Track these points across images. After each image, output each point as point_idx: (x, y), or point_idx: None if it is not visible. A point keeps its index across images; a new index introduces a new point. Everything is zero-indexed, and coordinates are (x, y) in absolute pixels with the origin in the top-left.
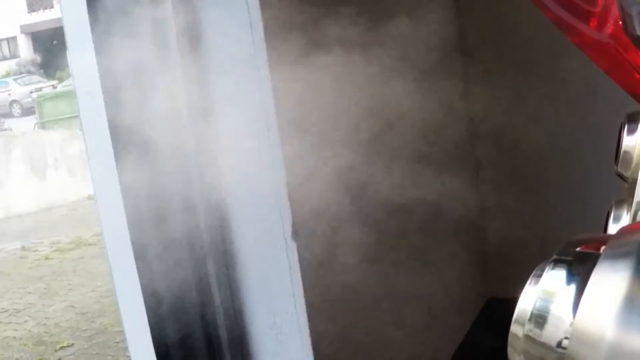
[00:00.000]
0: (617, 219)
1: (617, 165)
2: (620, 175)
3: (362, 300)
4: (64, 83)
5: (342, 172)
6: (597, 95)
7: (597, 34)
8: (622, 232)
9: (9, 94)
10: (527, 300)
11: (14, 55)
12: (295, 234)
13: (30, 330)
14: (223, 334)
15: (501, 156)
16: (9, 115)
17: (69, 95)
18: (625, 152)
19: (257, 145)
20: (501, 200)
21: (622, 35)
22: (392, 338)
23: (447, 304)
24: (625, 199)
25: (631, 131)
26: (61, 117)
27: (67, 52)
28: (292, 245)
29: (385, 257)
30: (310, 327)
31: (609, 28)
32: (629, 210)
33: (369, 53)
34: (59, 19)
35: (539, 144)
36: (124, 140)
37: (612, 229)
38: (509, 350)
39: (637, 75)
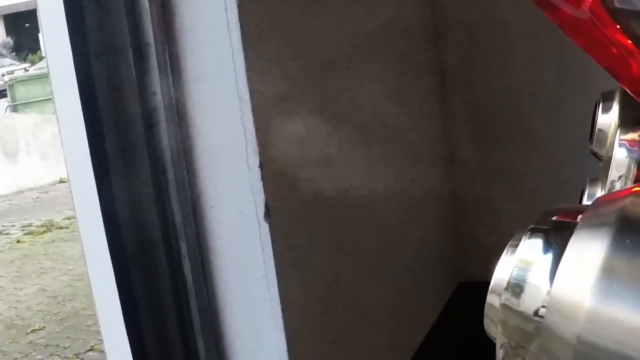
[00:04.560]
0: (591, 197)
1: (591, 143)
2: (594, 154)
3: (336, 284)
4: (37, 66)
5: (317, 156)
6: (572, 74)
7: (575, 11)
8: (600, 201)
9: None
10: (504, 269)
11: None
12: (268, 215)
13: (1, 314)
14: (196, 319)
15: (474, 137)
16: None
17: (42, 78)
18: (599, 130)
19: (230, 126)
20: (473, 182)
21: (601, 9)
22: (365, 321)
23: (418, 287)
24: (599, 178)
25: (606, 110)
26: (33, 100)
27: (40, 34)
28: (265, 227)
29: (357, 239)
30: (283, 310)
31: (587, 3)
32: (603, 188)
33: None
34: (32, 1)
35: (511, 123)
36: (98, 124)
37: None
38: (486, 321)
39: (615, 51)
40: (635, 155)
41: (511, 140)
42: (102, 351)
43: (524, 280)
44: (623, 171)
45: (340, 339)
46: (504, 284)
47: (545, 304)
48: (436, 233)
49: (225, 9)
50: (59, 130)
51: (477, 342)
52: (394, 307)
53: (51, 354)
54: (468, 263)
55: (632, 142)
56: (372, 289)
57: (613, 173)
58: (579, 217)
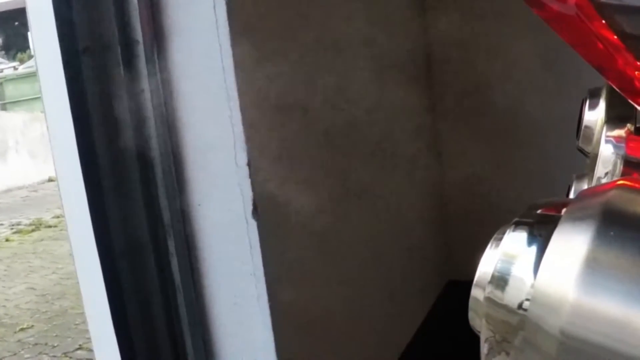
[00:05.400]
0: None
1: (578, 140)
2: (581, 151)
3: (324, 282)
4: (26, 65)
5: (305, 153)
6: (559, 71)
7: (562, 6)
8: (584, 194)
9: None
10: (488, 263)
11: None
12: (256, 212)
13: None
14: (184, 316)
15: (463, 135)
16: None
17: (31, 77)
18: (586, 127)
19: (218, 124)
20: (462, 182)
21: (587, 4)
22: (353, 319)
23: (407, 286)
24: (586, 174)
25: (592, 106)
26: (22, 99)
27: (29, 33)
28: (253, 224)
29: (346, 238)
30: (271, 307)
31: None
32: (589, 184)
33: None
34: (22, 0)
35: (499, 121)
36: (87, 122)
37: None
38: (470, 314)
39: (601, 46)
40: (621, 152)
41: (500, 138)
42: (90, 350)
43: (508, 273)
44: (609, 167)
45: (328, 336)
46: (488, 277)
47: (529, 297)
48: (425, 232)
49: (214, 7)
50: (48, 129)
51: (465, 340)
52: (382, 305)
53: (40, 353)
54: (457, 262)
55: (619, 139)
56: (360, 287)
57: (599, 169)
58: (564, 210)
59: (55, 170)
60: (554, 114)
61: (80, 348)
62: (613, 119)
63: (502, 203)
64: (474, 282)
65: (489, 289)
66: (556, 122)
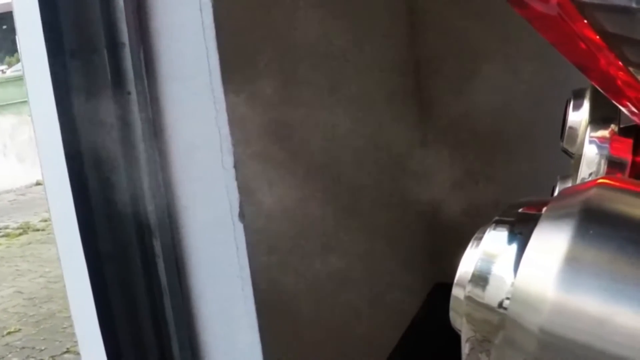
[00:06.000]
0: None
1: (562, 141)
2: (565, 151)
3: (311, 284)
4: (14, 68)
5: (292, 155)
6: (546, 72)
7: (544, 6)
8: (564, 193)
9: None
10: (469, 262)
11: None
12: (243, 215)
13: None
14: (170, 318)
15: (449, 137)
16: None
17: (19, 80)
18: (570, 128)
19: (204, 125)
20: (448, 183)
21: (568, 4)
22: (340, 321)
23: (394, 289)
24: (570, 175)
25: (577, 107)
26: (10, 102)
27: (16, 36)
28: (240, 226)
29: (332, 240)
30: (257, 309)
31: None
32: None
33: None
34: (9, 4)
35: (484, 124)
36: (73, 125)
37: None
38: (451, 314)
39: (583, 45)
40: (605, 152)
41: (486, 140)
42: (78, 353)
43: (488, 272)
44: (593, 168)
45: (315, 338)
46: (469, 277)
47: (509, 296)
48: (412, 235)
49: (200, 9)
50: (34, 132)
51: (452, 342)
52: (370, 307)
53: (27, 357)
54: (443, 264)
55: (603, 139)
56: (347, 290)
57: (584, 170)
58: (544, 208)
59: (42, 173)
60: (540, 116)
61: (68, 351)
62: (597, 119)
63: (487, 205)
64: (455, 281)
65: (469, 288)
66: (541, 124)
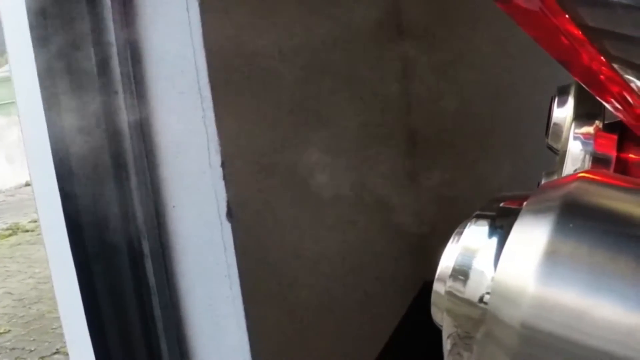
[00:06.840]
0: None
1: (547, 137)
2: (550, 148)
3: (299, 283)
4: (2, 69)
5: (280, 155)
6: (528, 69)
7: (526, 1)
8: (545, 186)
9: None
10: (449, 257)
11: None
12: (230, 214)
13: None
14: (158, 318)
15: (435, 134)
16: None
17: (8, 81)
18: (555, 124)
19: (191, 125)
20: (435, 181)
21: None
22: (329, 321)
23: (383, 288)
24: (555, 171)
25: (561, 104)
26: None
27: (4, 37)
28: (227, 226)
29: (321, 238)
30: (246, 309)
31: None
32: None
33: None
34: None
35: (472, 121)
36: (60, 126)
37: None
38: (433, 309)
39: (565, 40)
40: (590, 149)
41: (473, 138)
42: (67, 354)
43: (469, 267)
44: (578, 164)
45: (303, 338)
46: (449, 271)
47: (489, 290)
48: (399, 233)
49: (187, 9)
50: (22, 132)
51: (441, 341)
52: (358, 306)
53: (17, 357)
54: (432, 263)
55: (587, 136)
56: (335, 289)
57: (568, 166)
58: (525, 202)
59: (30, 174)
60: (524, 111)
61: (57, 352)
62: (581, 116)
63: (473, 202)
64: (436, 276)
65: (450, 282)
66: (527, 120)
